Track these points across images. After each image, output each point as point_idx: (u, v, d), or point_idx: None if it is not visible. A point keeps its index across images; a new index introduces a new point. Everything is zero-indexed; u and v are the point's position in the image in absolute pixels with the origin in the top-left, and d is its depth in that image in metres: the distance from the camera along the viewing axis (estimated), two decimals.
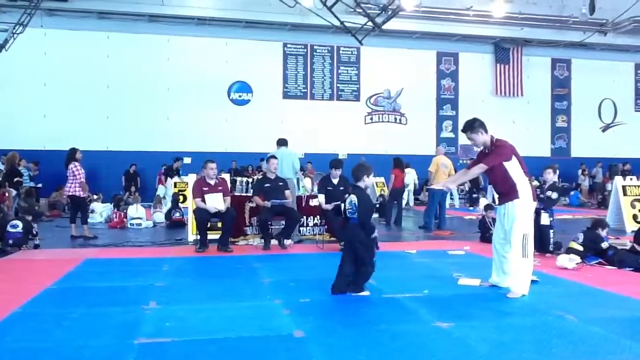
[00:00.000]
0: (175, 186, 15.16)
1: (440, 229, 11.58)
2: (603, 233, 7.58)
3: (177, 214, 11.87)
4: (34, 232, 8.72)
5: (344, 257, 5.46)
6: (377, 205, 13.47)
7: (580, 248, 7.35)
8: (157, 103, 19.25)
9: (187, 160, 18.82)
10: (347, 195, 5.64)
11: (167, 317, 4.58)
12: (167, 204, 13.64)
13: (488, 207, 10.41)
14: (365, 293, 5.40)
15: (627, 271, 6.88)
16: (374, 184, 18.51)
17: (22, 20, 14.68)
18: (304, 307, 4.99)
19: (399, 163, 12.67)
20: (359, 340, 4.06)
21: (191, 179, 9.76)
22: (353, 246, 5.41)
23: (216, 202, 8.29)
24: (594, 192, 20.65)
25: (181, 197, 13.16)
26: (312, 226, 9.71)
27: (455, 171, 12.11)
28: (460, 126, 5.94)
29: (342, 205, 5.62)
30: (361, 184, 5.59)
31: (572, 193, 20.22)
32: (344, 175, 9.19)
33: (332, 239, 8.99)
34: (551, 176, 8.54)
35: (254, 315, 4.68)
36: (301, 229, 9.64)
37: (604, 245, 7.41)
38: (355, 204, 5.41)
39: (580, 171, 21.96)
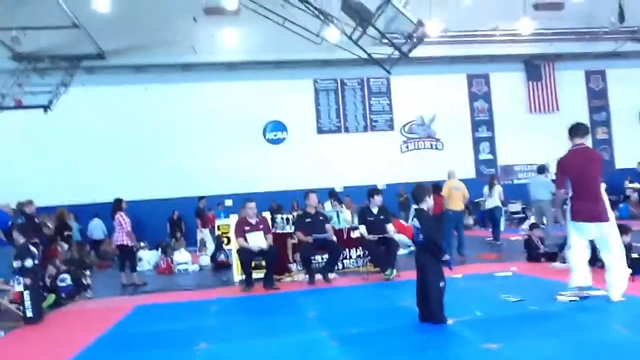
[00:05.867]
0: (218, 229, 15.40)
1: (461, 254, 11.22)
2: (627, 239, 7.30)
3: (222, 256, 12.04)
4: (86, 284, 9.00)
5: (417, 284, 5.44)
6: None
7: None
8: (196, 148, 19.69)
9: (228, 202, 19.09)
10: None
11: (217, 356, 4.67)
12: (210, 247, 13.81)
13: (534, 226, 10.27)
14: (449, 322, 5.19)
15: None
16: (413, 210, 18.37)
17: (64, 80, 15.43)
18: (351, 338, 5.00)
19: (437, 189, 12.56)
20: None
21: (233, 220, 9.92)
22: (418, 271, 5.40)
23: (258, 240, 8.41)
24: None
25: (225, 239, 13.36)
26: (355, 258, 9.71)
27: (469, 193, 11.78)
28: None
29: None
30: (423, 205, 5.57)
31: (620, 205, 19.62)
32: (384, 204, 9.22)
33: (377, 269, 8.95)
34: None
35: (301, 348, 4.73)
36: (344, 261, 9.65)
37: (634, 255, 7.14)
38: (418, 227, 5.40)
39: (627, 182, 21.31)
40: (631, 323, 4.77)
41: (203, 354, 4.84)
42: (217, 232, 14.68)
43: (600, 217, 5.58)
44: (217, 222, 15.98)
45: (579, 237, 5.79)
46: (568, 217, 5.80)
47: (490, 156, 21.92)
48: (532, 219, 13.36)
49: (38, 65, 17.11)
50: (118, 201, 10.37)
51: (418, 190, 5.67)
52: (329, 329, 5.31)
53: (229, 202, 19.10)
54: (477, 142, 22.05)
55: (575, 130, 5.88)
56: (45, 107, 16.22)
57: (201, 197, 16.60)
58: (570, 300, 5.82)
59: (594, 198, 5.64)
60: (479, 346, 4.41)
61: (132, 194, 16.54)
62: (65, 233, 12.91)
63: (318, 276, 8.70)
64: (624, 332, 4.52)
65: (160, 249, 13.34)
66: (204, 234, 15.55)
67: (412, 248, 12.47)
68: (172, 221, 18.17)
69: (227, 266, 11.44)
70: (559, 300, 5.85)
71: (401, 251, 10.53)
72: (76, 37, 16.16)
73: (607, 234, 5.64)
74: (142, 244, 13.96)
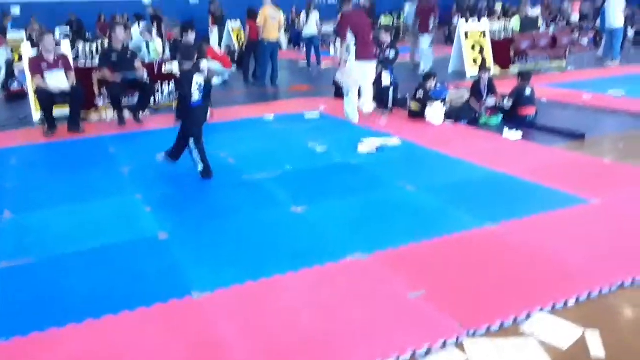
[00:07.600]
0: (8, 45, 13.55)
1: (273, 85, 11.68)
2: (433, 83, 8.06)
3: (15, 85, 10.78)
4: None
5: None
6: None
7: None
8: None
9: (15, 10, 16.75)
10: (193, 73, 5.39)
11: (26, 230, 4.44)
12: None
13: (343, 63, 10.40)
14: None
15: (462, 126, 7.61)
16: (231, 30, 17.91)
17: None
18: (165, 201, 5.08)
19: (252, 15, 12.21)
20: (221, 233, 4.29)
21: (23, 37, 8.73)
22: (190, 128, 5.56)
23: (58, 80, 7.66)
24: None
25: (17, 57, 11.76)
26: (167, 94, 9.39)
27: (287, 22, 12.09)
28: None
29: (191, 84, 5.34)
30: (185, 66, 5.50)
31: None
32: (198, 40, 8.82)
33: None
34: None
35: (117, 216, 4.66)
36: (156, 95, 9.28)
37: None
38: (202, 86, 5.38)
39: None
40: (418, 182, 5.35)
41: (8, 226, 4.55)
42: (8, 53, 12.95)
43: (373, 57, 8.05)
44: (8, 36, 14.07)
45: (360, 74, 7.82)
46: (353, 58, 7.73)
47: None
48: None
49: None
50: None
51: (183, 50, 5.83)
52: (143, 190, 5.30)
53: (15, 10, 16.80)
54: None
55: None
56: None
57: (5, 14, 14.23)
58: (369, 153, 6.43)
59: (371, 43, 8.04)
60: (288, 209, 4.73)
61: None
62: None
63: (128, 115, 8.39)
64: (410, 189, 5.16)
65: None
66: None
67: (227, 77, 12.36)
68: None
69: (23, 96, 10.35)
70: (359, 152, 6.44)
71: (215, 80, 10.43)
72: None
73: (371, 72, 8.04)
74: None
